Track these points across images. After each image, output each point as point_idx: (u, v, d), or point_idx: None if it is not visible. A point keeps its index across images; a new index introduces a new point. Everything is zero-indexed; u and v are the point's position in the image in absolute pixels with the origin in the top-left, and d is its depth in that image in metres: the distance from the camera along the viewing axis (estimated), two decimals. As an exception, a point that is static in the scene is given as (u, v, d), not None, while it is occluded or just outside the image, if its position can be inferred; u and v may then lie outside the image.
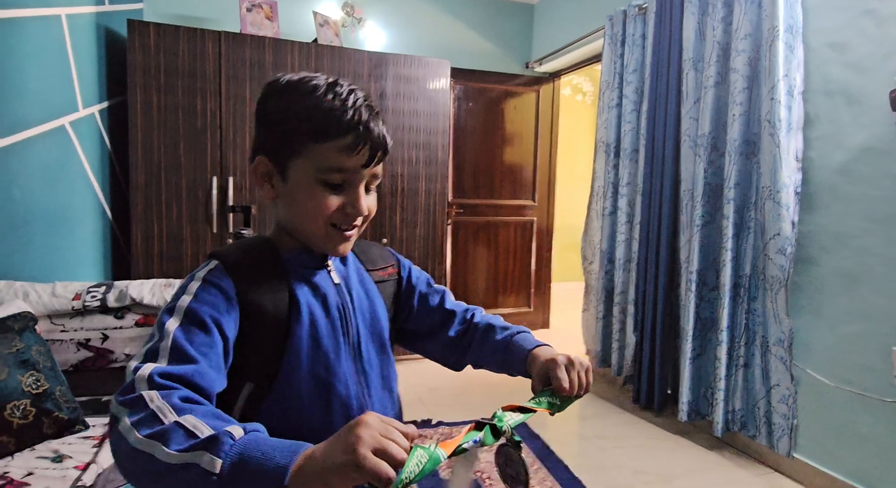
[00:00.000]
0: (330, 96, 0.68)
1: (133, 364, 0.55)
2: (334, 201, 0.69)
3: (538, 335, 3.86)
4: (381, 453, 0.45)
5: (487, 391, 2.89)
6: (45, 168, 2.18)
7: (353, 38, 3.41)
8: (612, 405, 2.71)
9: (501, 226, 3.89)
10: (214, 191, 2.81)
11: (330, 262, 0.76)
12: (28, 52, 2.05)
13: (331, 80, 0.70)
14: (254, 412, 0.67)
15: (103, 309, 1.53)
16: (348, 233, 0.72)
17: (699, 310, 2.34)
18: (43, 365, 1.27)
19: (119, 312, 1.53)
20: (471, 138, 3.77)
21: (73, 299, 1.50)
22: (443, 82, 3.19)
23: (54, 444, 1.21)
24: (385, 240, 3.15)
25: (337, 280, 0.75)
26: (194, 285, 0.64)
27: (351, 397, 0.70)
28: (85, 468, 1.10)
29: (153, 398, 0.50)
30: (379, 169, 0.72)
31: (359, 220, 0.72)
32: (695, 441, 2.33)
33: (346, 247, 0.73)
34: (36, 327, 1.37)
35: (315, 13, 3.07)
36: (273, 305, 0.67)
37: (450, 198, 3.68)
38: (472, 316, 0.87)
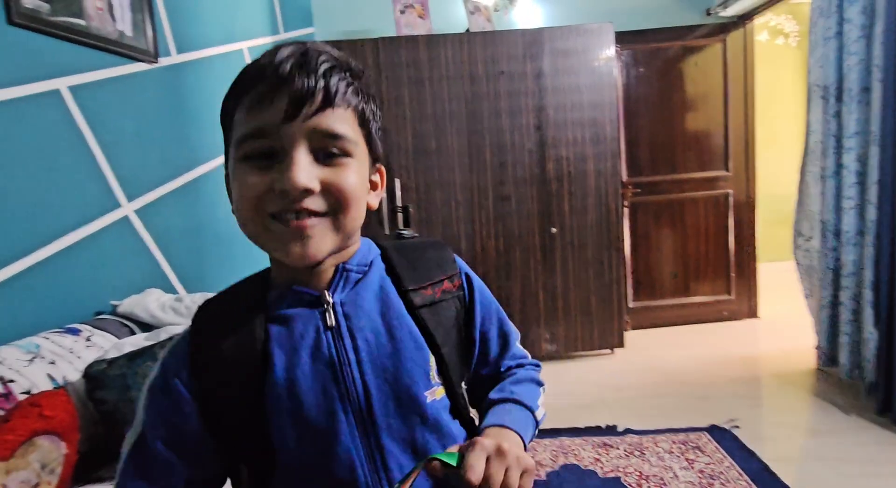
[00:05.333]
0: (260, 57, 0.53)
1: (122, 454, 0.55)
2: (259, 178, 0.50)
3: (743, 325, 3.26)
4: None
5: (684, 390, 2.52)
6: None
7: (506, 20, 3.27)
8: (849, 416, 2.14)
9: (688, 204, 3.40)
10: (384, 194, 2.91)
11: (329, 296, 0.56)
12: (214, 90, 2.28)
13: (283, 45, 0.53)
14: None
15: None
16: (295, 222, 0.51)
17: None
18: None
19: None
20: (644, 108, 3.36)
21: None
22: (606, 50, 2.87)
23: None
24: (554, 230, 2.95)
25: (331, 322, 0.55)
26: (148, 385, 0.56)
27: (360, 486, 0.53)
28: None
29: None
30: (326, 121, 0.51)
31: (311, 202, 0.50)
32: None
33: (308, 249, 0.51)
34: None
35: (465, 1, 3.00)
36: (239, 374, 0.53)
37: (624, 177, 3.33)
38: (509, 371, 0.69)
